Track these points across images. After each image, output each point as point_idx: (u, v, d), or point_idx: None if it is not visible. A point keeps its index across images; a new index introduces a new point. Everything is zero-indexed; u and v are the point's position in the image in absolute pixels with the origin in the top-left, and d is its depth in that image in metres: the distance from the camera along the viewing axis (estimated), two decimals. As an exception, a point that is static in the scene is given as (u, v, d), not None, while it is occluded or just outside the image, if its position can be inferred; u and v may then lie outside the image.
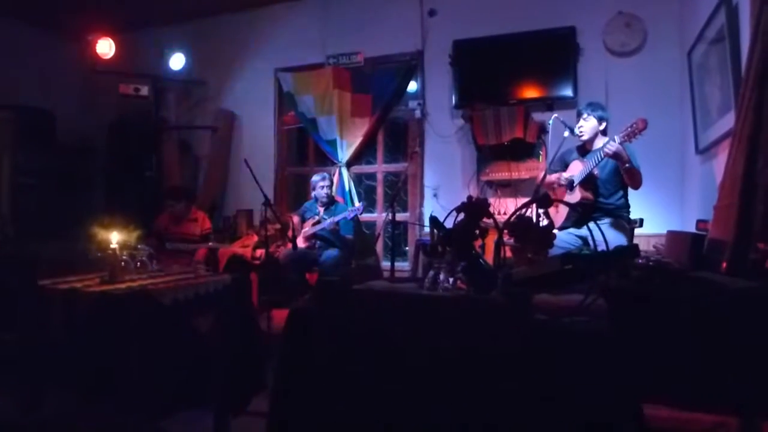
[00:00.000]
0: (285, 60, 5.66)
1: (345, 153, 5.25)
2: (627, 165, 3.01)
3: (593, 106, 3.32)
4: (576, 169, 3.29)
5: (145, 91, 5.63)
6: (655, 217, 3.72)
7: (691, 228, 3.17)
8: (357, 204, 4.61)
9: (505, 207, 4.51)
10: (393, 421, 1.51)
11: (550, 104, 4.53)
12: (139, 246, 2.89)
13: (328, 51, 5.41)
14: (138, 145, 5.76)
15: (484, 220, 1.91)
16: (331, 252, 4.33)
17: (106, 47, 5.54)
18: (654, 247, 2.99)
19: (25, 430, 2.22)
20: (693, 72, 3.73)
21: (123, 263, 2.54)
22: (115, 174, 5.86)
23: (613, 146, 2.95)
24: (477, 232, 1.87)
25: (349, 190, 5.20)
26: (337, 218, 4.34)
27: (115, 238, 2.46)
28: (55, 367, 2.14)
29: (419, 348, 1.50)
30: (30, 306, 2.27)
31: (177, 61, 5.65)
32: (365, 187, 5.72)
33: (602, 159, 3.07)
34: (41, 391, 2.21)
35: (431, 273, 1.85)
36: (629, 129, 2.93)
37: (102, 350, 2.06)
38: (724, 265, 2.25)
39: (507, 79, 4.67)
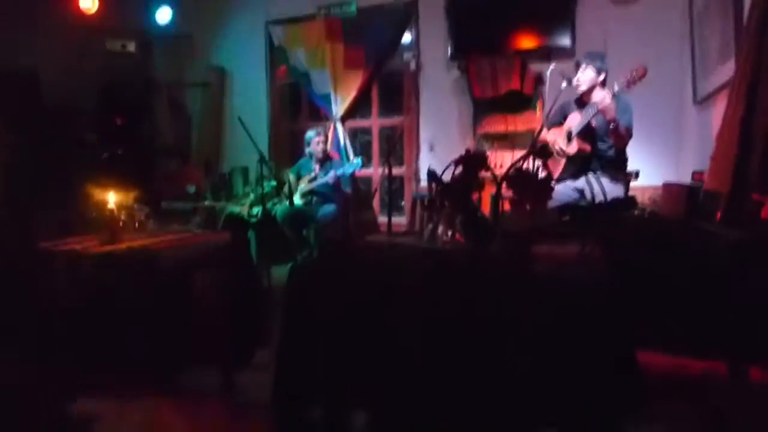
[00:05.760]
0: (275, 12, 5.50)
1: (339, 107, 5.17)
2: (612, 125, 3.00)
3: (592, 57, 3.26)
4: (574, 121, 3.26)
5: (132, 47, 5.48)
6: (651, 168, 3.70)
7: (687, 179, 3.18)
8: (354, 159, 4.57)
9: (501, 160, 4.50)
10: (394, 372, 1.55)
11: (547, 54, 4.44)
12: (135, 206, 2.88)
13: (319, 1, 5.25)
14: (128, 105, 5.65)
15: (482, 173, 1.91)
16: (328, 207, 4.33)
17: (88, 2, 5.34)
18: (650, 199, 3.01)
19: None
20: (694, 19, 3.66)
21: (121, 224, 2.54)
22: (106, 134, 5.77)
23: (605, 101, 2.93)
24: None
25: (345, 146, 5.16)
26: (338, 172, 4.28)
27: (112, 198, 2.45)
28: (60, 330, 2.17)
29: (420, 300, 1.52)
30: (31, 271, 2.28)
31: (164, 15, 5.47)
32: (360, 141, 5.67)
33: (598, 112, 3.05)
34: (47, 356, 2.24)
35: (430, 226, 1.87)
36: (629, 77, 2.89)
37: (106, 312, 2.09)
38: (719, 215, 2.27)
39: (503, 28, 4.56)
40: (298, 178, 4.60)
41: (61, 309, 2.17)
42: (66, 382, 2.19)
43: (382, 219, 4.84)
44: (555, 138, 3.37)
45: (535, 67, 4.42)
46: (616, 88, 2.95)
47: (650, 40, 4.17)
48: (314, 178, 4.45)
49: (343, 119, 5.21)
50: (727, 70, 2.84)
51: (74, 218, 3.20)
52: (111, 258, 2.16)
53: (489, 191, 2.57)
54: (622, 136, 3.09)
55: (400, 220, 5.15)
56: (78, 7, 5.34)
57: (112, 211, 2.43)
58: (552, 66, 3.40)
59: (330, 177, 4.29)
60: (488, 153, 4.39)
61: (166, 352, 2.16)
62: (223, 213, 4.62)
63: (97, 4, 5.39)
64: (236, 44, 5.74)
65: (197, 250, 2.50)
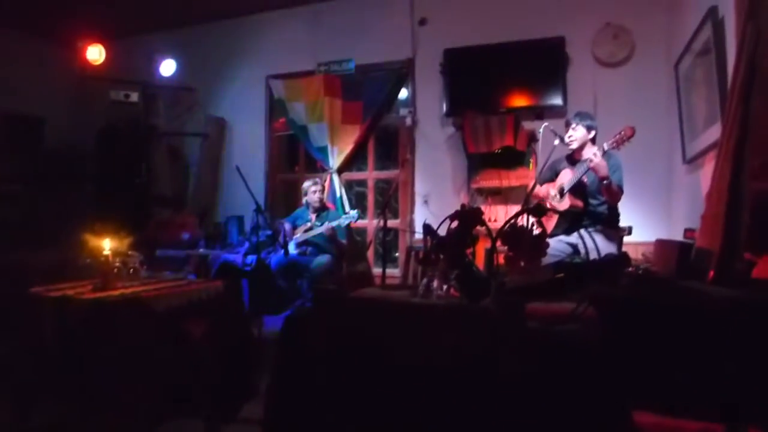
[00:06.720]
0: (276, 67, 5.67)
1: (336, 160, 5.26)
2: (605, 182, 3.06)
3: (582, 116, 3.37)
4: (566, 178, 3.33)
5: (135, 97, 5.60)
6: (643, 225, 3.77)
7: (679, 236, 3.21)
8: (350, 211, 4.61)
9: (495, 214, 4.55)
10: (387, 428, 1.52)
11: (539, 113, 4.58)
12: (130, 252, 2.87)
13: (319, 58, 5.43)
14: (127, 152, 5.73)
15: (476, 228, 1.93)
16: (322, 258, 4.33)
17: (96, 54, 5.51)
18: (643, 255, 3.03)
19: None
20: (680, 83, 3.80)
21: (115, 270, 2.53)
22: (104, 181, 5.82)
23: (596, 159, 3.00)
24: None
25: (340, 197, 5.22)
26: (334, 223, 4.33)
27: (107, 245, 2.44)
28: (48, 375, 2.12)
29: (414, 355, 1.51)
30: (21, 314, 2.25)
31: (167, 68, 5.63)
32: (356, 193, 5.73)
33: (589, 169, 3.12)
34: (34, 401, 2.19)
35: (425, 280, 1.87)
36: (617, 136, 2.98)
37: (95, 358, 2.05)
38: (711, 274, 2.29)
39: (497, 87, 4.72)
40: (294, 227, 4.62)
41: (50, 354, 2.13)
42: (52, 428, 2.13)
43: (377, 270, 4.84)
44: (547, 193, 3.43)
45: (527, 124, 4.55)
46: (606, 147, 3.03)
47: (639, 100, 4.33)
48: (310, 228, 4.47)
49: (340, 171, 5.29)
50: (713, 133, 2.93)
51: (68, 263, 3.18)
52: (103, 304, 2.14)
53: (483, 244, 2.59)
54: (614, 193, 3.15)
55: (394, 272, 5.15)
56: (85, 57, 5.50)
57: (107, 257, 2.43)
58: (544, 124, 3.49)
59: (326, 228, 4.32)
60: (482, 207, 4.44)
61: (153, 402, 2.11)
62: (217, 261, 4.61)
63: (104, 55, 5.56)
64: (237, 96, 5.89)
65: (190, 297, 2.48)
